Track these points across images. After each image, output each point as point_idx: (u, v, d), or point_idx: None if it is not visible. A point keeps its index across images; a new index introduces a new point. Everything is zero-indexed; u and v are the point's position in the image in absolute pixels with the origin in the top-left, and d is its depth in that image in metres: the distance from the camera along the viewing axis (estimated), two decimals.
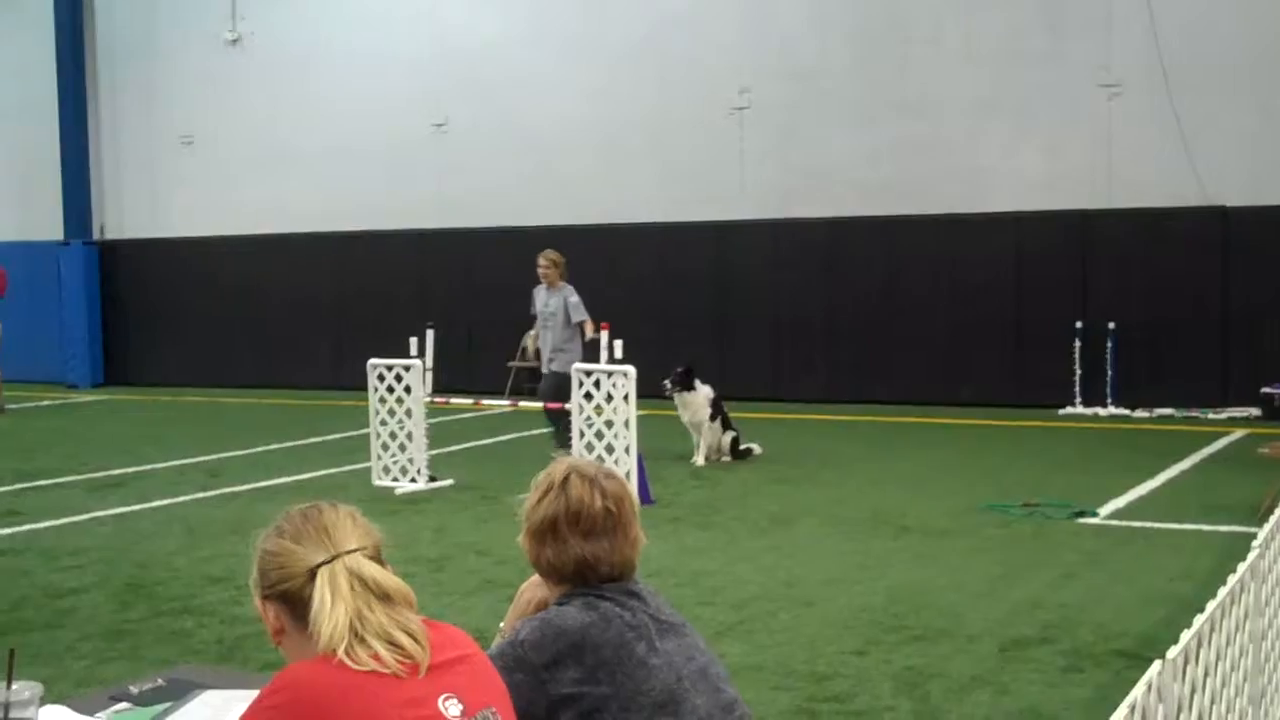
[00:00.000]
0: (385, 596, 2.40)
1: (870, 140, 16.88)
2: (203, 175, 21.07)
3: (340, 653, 2.31)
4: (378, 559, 2.47)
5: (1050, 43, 16.14)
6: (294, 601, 2.42)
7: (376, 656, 2.32)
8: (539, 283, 13.06)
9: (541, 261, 13.04)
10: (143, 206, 21.74)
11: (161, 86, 21.35)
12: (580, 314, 12.84)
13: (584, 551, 2.95)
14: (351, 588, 2.38)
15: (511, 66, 18.73)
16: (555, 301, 12.91)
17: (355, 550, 2.44)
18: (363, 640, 2.33)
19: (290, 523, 2.49)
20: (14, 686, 2.57)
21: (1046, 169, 16.15)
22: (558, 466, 3.06)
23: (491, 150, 18.91)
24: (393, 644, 2.35)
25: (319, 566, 2.40)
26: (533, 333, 13.56)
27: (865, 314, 17.06)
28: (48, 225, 21.76)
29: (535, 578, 3.12)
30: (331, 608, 2.35)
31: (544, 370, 13.17)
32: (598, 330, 11.87)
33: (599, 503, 2.98)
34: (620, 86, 18.14)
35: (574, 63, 18.39)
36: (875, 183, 16.89)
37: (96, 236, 21.94)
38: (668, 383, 12.72)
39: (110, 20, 21.70)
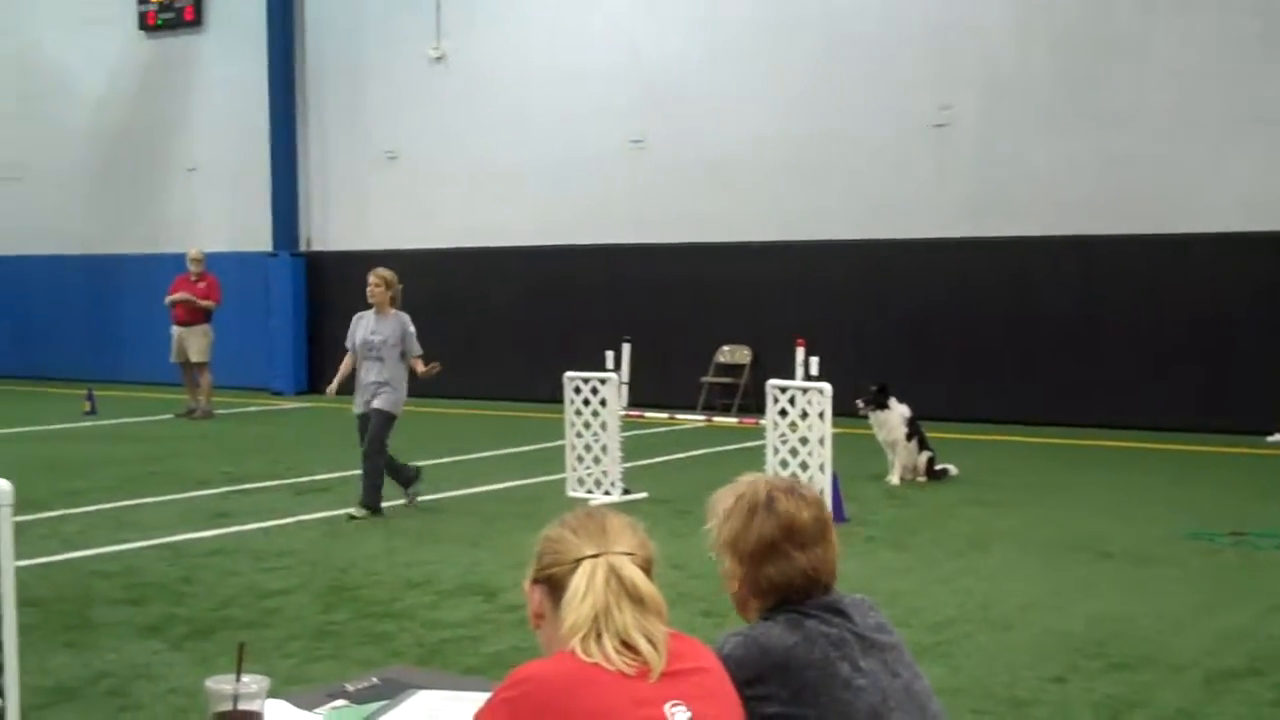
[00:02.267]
0: (638, 600, 2.52)
1: (1070, 155, 16.51)
2: (405, 190, 21.55)
3: (575, 642, 2.44)
4: (645, 570, 2.59)
5: (1261, 52, 15.55)
6: (557, 587, 2.57)
7: (606, 655, 2.43)
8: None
9: (371, 279, 11.19)
10: (347, 219, 22.31)
11: (367, 104, 21.92)
12: (417, 346, 11.14)
13: (806, 563, 2.96)
14: (607, 583, 2.51)
15: (708, 83, 18.79)
16: (387, 329, 11.07)
17: (623, 553, 2.57)
18: (599, 636, 2.46)
19: (575, 516, 2.67)
20: (243, 679, 2.66)
21: (1255, 186, 15.57)
22: (751, 487, 3.04)
23: (687, 166, 18.97)
24: (628, 645, 2.46)
25: (585, 558, 2.55)
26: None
27: (1062, 333, 16.68)
28: (258, 237, 22.47)
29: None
30: (582, 598, 2.50)
31: (361, 409, 11.18)
32: (428, 366, 10.93)
33: (806, 513, 2.99)
34: (816, 102, 18.04)
35: (770, 78, 18.36)
36: (1074, 199, 16.51)
37: (303, 248, 22.60)
38: (861, 402, 12.61)
39: (320, 41, 22.36)
